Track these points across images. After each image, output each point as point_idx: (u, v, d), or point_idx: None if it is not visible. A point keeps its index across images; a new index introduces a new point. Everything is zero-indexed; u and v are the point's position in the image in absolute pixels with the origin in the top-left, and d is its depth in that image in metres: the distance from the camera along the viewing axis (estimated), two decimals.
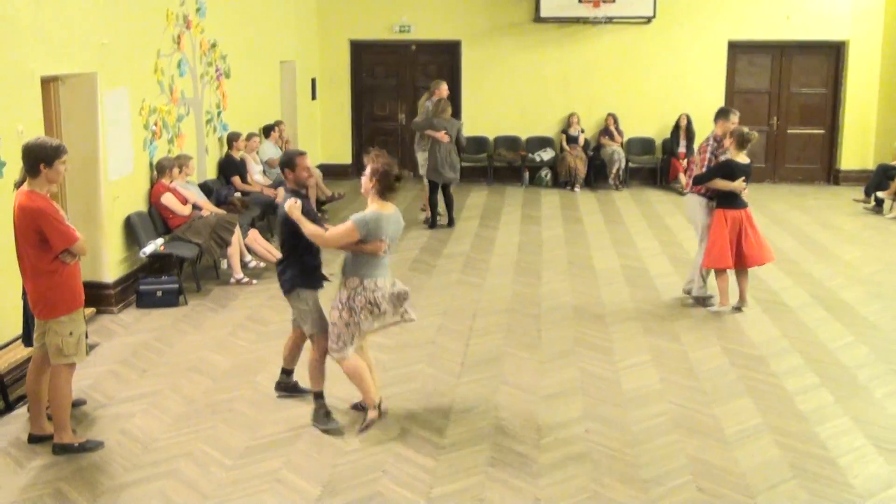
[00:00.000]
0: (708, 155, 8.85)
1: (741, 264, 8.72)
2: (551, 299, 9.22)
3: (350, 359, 6.04)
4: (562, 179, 16.13)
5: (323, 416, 6.20)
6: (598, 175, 16.24)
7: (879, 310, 8.95)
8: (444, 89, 12.62)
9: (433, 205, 12.64)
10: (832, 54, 16.51)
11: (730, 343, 7.94)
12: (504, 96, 16.66)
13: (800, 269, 10.57)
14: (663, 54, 16.43)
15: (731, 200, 8.65)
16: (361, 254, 5.94)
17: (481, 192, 15.68)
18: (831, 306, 9.06)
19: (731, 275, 8.88)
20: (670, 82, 16.46)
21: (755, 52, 16.61)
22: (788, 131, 16.75)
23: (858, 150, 16.45)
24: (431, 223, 12.61)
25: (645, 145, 16.66)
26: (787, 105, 16.77)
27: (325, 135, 17.01)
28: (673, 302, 9.17)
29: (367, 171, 5.98)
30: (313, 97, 16.54)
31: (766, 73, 16.73)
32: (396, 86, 17.17)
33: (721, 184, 8.59)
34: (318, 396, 6.25)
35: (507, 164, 16.60)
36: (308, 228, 5.93)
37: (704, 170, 8.74)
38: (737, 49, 16.54)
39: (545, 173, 16.41)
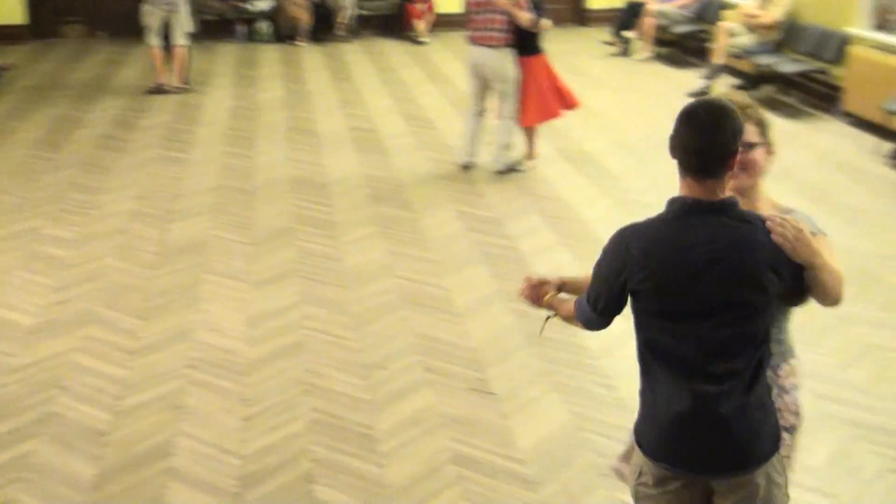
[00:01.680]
0: None
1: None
2: (267, 172, 9.07)
3: None
4: (283, 32, 15.76)
5: None
6: (325, 26, 15.96)
7: (622, 159, 9.43)
8: None
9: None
10: None
11: (464, 206, 8.14)
12: None
13: None
14: None
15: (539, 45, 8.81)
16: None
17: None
18: (574, 159, 9.46)
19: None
20: None
21: None
22: None
23: None
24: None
25: None
26: None
27: None
28: (405, 165, 9.24)
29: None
30: None
31: None
32: None
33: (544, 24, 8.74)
34: None
35: (217, 17, 15.99)
36: None
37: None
38: None
39: (264, 26, 15.96)
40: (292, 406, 5.19)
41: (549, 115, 8.93)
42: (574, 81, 12.74)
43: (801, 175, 8.85)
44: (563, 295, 3.41)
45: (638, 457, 3.09)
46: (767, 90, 11.74)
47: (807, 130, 10.47)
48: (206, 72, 13.48)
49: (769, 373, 3.08)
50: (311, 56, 14.67)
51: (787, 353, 3.34)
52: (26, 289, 6.60)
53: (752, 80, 12.10)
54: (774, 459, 2.98)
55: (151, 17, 11.81)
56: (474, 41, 8.69)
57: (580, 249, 7.17)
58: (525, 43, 8.64)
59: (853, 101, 10.46)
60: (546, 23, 8.67)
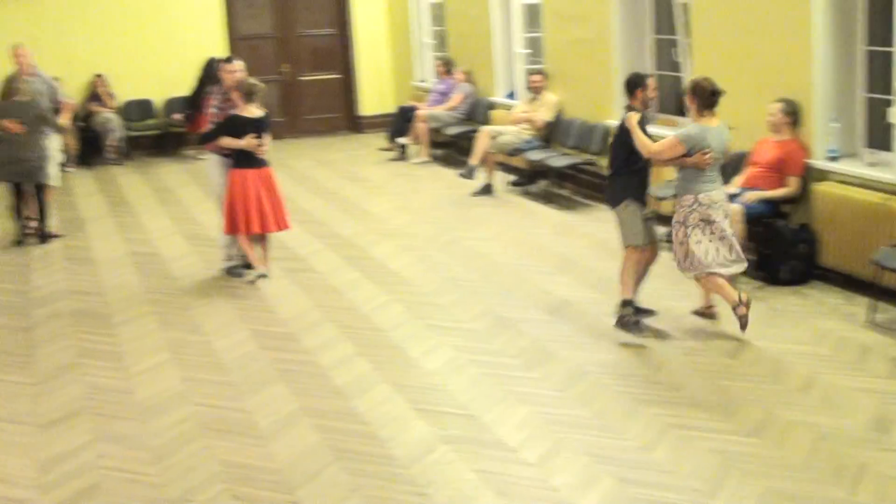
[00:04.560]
0: (212, 110, 8.98)
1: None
2: (45, 305, 8.74)
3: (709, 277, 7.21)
4: None
5: (632, 325, 7.35)
6: (93, 149, 15.65)
7: (410, 263, 9.59)
8: None
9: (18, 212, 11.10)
10: None
11: (257, 324, 8.06)
12: None
13: (328, 229, 11.03)
14: (153, 1, 16.20)
15: (246, 159, 8.82)
16: (690, 170, 7.06)
17: None
18: (363, 266, 9.56)
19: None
20: (165, 33, 16.27)
21: None
22: (301, 79, 17.33)
23: (377, 94, 17.49)
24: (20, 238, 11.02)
25: (143, 109, 16.33)
26: (296, 49, 17.33)
27: None
28: (192, 287, 9.12)
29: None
30: None
31: (269, 14, 17.17)
32: None
33: (227, 142, 8.74)
34: (626, 304, 7.41)
35: None
36: (640, 138, 7.08)
37: (211, 127, 9.01)
38: None
39: None
40: None
41: (246, 229, 8.92)
42: (354, 188, 13.06)
43: (583, 265, 9.25)
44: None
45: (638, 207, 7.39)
46: (543, 184, 12.27)
47: (583, 220, 10.98)
48: None
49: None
50: (82, 182, 14.32)
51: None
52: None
53: (527, 176, 12.63)
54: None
55: None
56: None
57: (379, 357, 7.21)
58: (238, 155, 8.87)
59: None
60: (233, 142, 8.78)
